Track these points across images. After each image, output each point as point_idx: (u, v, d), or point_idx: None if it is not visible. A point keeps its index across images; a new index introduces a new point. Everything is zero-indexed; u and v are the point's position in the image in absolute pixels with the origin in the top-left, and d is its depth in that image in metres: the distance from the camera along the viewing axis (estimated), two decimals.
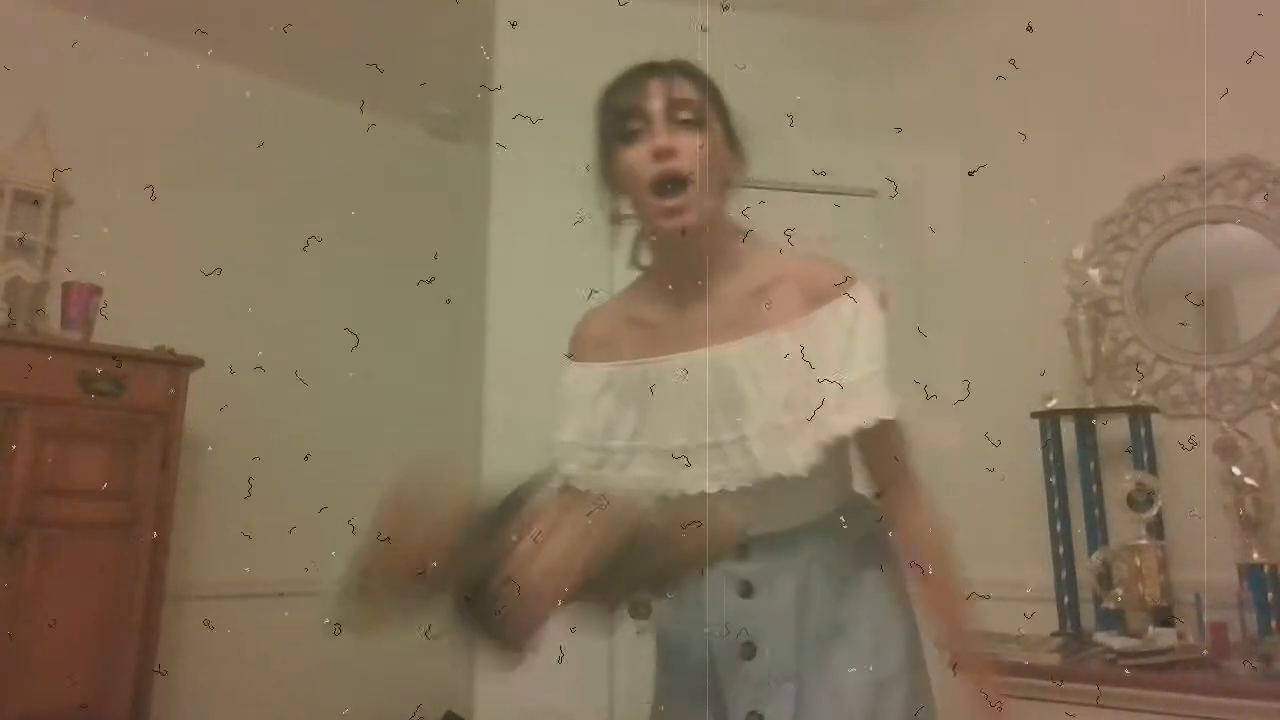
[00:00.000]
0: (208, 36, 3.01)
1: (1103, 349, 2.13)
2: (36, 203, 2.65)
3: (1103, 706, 1.64)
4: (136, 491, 2.44)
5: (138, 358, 2.51)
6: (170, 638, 2.61)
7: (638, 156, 1.15)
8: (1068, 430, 2.14)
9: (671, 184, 1.14)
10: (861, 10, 2.79)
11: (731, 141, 1.24)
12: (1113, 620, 1.89)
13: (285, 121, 3.30)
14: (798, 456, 1.12)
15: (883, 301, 2.69)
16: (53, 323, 2.56)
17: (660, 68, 1.20)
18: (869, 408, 1.13)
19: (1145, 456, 1.99)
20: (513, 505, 1.03)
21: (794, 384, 1.14)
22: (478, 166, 2.77)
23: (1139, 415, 2.02)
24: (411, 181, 3.60)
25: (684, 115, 1.17)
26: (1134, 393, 2.09)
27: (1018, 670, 1.78)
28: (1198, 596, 1.79)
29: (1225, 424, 1.94)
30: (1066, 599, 2.05)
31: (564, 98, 2.61)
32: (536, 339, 2.53)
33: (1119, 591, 1.87)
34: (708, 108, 1.20)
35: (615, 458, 1.23)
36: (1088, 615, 2.03)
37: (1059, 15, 2.47)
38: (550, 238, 2.54)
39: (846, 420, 1.13)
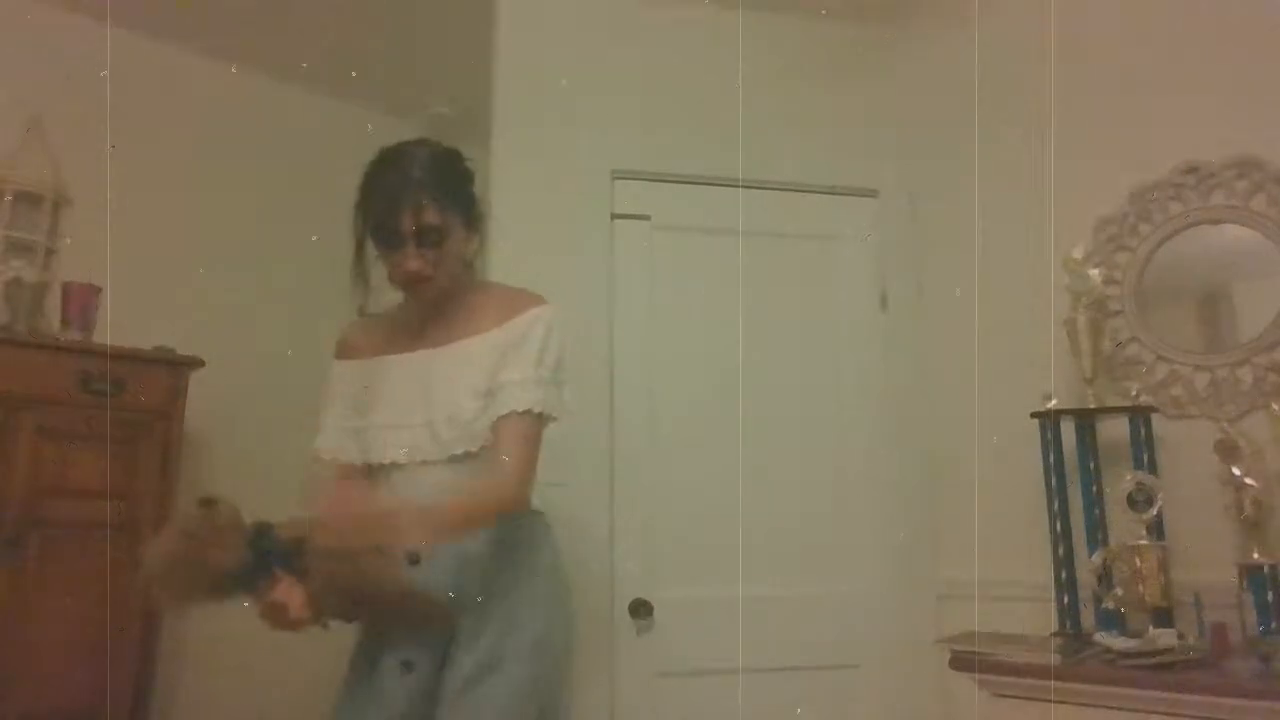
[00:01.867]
0: (208, 36, 3.01)
1: (1103, 349, 2.13)
2: (36, 203, 2.65)
3: (1103, 706, 1.64)
4: (136, 491, 2.44)
5: (138, 358, 2.51)
6: (170, 639, 2.61)
7: (393, 262, 1.51)
8: (1068, 430, 2.14)
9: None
10: (860, 10, 2.79)
11: (469, 224, 1.59)
12: (1113, 620, 1.89)
13: (285, 121, 3.30)
14: (470, 440, 1.47)
15: (883, 301, 2.70)
16: (53, 323, 2.56)
17: (412, 180, 1.50)
18: (506, 402, 1.47)
19: (1145, 456, 1.99)
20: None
21: (476, 381, 1.49)
22: (478, 166, 2.76)
23: (1139, 415, 2.02)
24: None
25: (431, 237, 1.49)
26: (1134, 393, 2.09)
27: (1018, 670, 1.78)
28: (1197, 596, 1.79)
29: (1225, 424, 1.93)
30: (1066, 599, 2.05)
31: (564, 97, 2.63)
32: None
33: (1119, 591, 1.87)
34: (449, 216, 1.52)
35: (357, 435, 1.56)
36: (1088, 615, 2.03)
37: (1058, 16, 2.47)
38: (550, 238, 2.54)
39: (494, 411, 1.48)
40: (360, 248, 1.55)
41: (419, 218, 1.48)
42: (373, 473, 1.56)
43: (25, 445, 2.28)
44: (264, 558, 1.32)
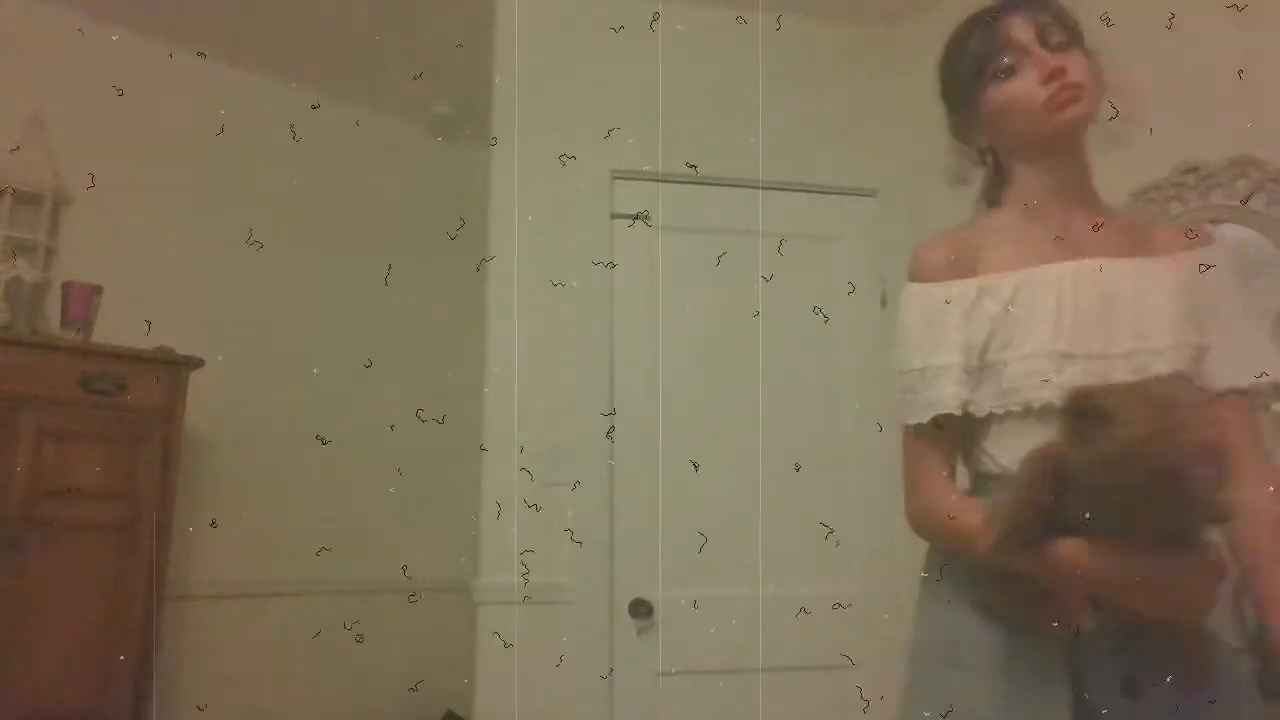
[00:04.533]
0: (208, 36, 3.01)
1: None
2: (36, 203, 2.65)
3: None
4: (136, 491, 2.44)
5: (138, 358, 2.51)
6: (170, 638, 2.61)
7: (1022, 87, 1.15)
8: None
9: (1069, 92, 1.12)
10: (860, 10, 2.79)
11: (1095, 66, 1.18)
12: None
13: (286, 121, 3.29)
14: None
15: (883, 301, 2.70)
16: (53, 323, 2.56)
17: (1010, 4, 1.19)
18: (1248, 365, 1.07)
19: None
20: None
21: (1173, 314, 1.09)
22: (478, 166, 2.77)
23: None
24: (411, 181, 3.60)
25: (1058, 38, 1.15)
26: None
27: None
28: None
29: None
30: None
31: (564, 97, 2.63)
32: (536, 338, 2.54)
33: None
34: (1075, 29, 1.18)
35: (986, 374, 1.12)
36: None
37: None
38: (550, 237, 2.55)
39: (1226, 375, 1.07)
40: (971, 106, 1.26)
41: (1037, 19, 1.17)
42: (1004, 418, 1.10)
43: (25, 445, 2.27)
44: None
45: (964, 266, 1.18)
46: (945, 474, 1.14)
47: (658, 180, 2.61)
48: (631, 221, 2.34)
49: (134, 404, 2.48)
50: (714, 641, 2.38)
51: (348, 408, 3.27)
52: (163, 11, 2.89)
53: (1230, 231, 2.08)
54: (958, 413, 1.12)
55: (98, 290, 2.58)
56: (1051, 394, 1.05)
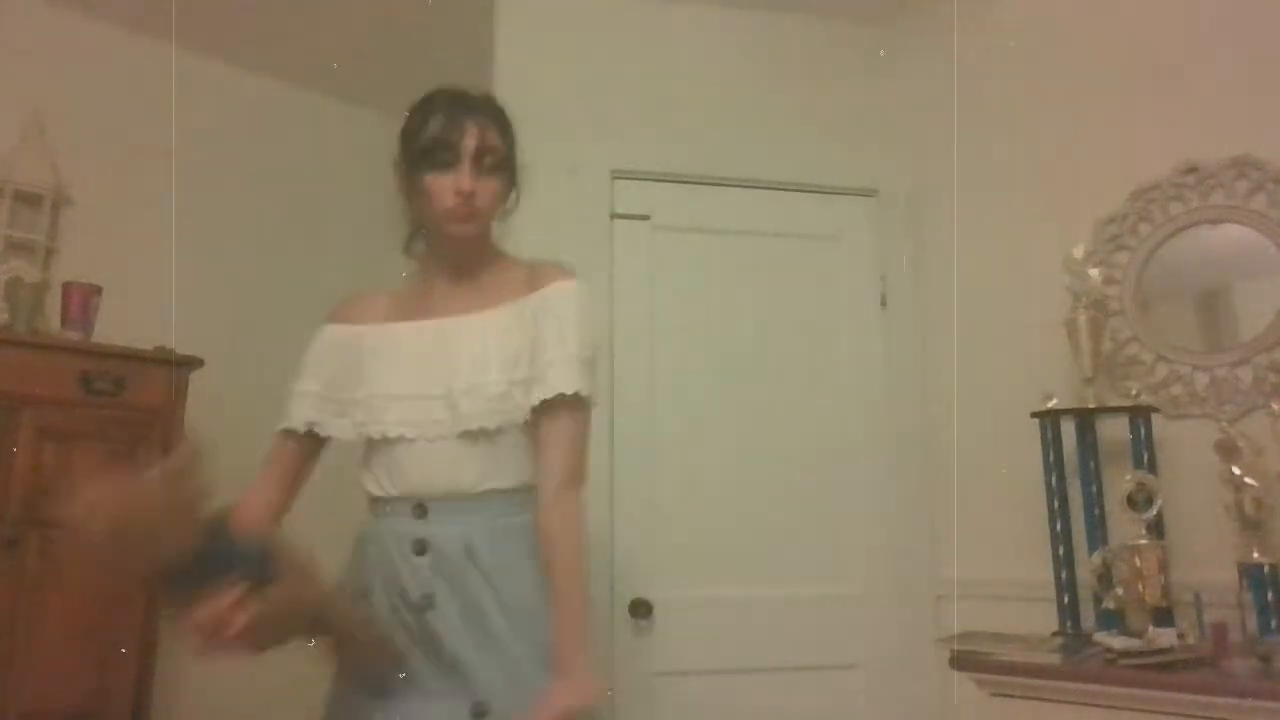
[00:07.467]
0: (208, 36, 3.01)
1: (1103, 349, 2.13)
2: (36, 203, 2.65)
3: (1103, 706, 1.64)
4: None
5: (138, 358, 2.51)
6: (170, 638, 2.60)
7: (443, 185, 1.36)
8: (1068, 430, 2.14)
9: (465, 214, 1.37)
10: (861, 10, 2.79)
11: (514, 175, 1.47)
12: (1113, 620, 1.89)
13: (287, 121, 3.29)
14: (491, 415, 1.33)
15: (883, 302, 2.70)
16: (53, 323, 2.56)
17: (475, 106, 1.41)
18: (553, 383, 1.32)
19: (1145, 456, 1.99)
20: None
21: (506, 354, 1.36)
22: None
23: (1139, 415, 2.02)
24: None
25: (489, 161, 1.38)
26: (1134, 393, 2.09)
27: (1018, 670, 1.78)
28: (1197, 596, 1.80)
29: (1225, 424, 1.94)
30: (1066, 599, 2.05)
31: (564, 97, 2.63)
32: None
33: (1119, 591, 1.87)
34: (507, 148, 1.43)
35: (351, 406, 1.43)
36: (1088, 615, 2.03)
37: (1059, 15, 2.47)
38: (549, 238, 2.54)
39: (537, 393, 1.33)
40: (412, 174, 1.41)
41: (484, 136, 1.38)
42: (372, 447, 1.42)
43: (25, 445, 2.27)
44: (212, 560, 1.03)
45: (362, 315, 1.49)
46: (273, 475, 1.47)
47: (658, 180, 2.61)
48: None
49: (134, 404, 2.48)
50: (714, 642, 2.38)
51: None
52: (162, 11, 2.88)
53: (1230, 231, 2.08)
54: (301, 430, 1.44)
55: (97, 290, 2.58)
56: (387, 429, 1.37)
